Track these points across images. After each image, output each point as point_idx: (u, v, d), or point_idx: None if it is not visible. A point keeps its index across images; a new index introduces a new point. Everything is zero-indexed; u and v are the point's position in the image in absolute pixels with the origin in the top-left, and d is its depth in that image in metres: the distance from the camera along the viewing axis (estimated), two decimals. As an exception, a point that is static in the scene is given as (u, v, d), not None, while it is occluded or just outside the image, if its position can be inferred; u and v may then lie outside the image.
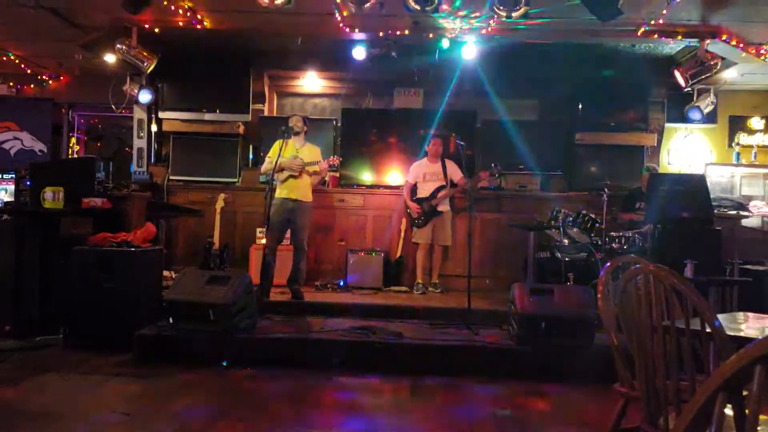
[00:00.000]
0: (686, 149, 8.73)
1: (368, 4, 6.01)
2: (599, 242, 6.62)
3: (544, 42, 7.32)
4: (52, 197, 5.80)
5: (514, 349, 5.05)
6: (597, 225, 6.69)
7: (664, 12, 6.27)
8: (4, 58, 8.57)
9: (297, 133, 6.65)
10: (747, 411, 1.20)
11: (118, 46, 7.21)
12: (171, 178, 8.29)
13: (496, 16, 6.13)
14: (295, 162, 6.51)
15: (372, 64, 7.70)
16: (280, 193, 6.56)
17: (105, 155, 9.51)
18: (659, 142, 8.51)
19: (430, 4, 5.99)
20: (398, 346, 5.07)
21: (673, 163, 8.70)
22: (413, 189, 7.47)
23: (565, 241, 6.75)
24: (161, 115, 8.38)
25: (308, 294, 6.74)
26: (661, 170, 8.22)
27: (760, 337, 1.15)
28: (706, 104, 8.22)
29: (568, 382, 4.68)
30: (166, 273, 6.56)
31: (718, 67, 7.15)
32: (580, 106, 8.25)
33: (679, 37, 7.03)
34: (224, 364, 4.87)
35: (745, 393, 1.20)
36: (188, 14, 6.80)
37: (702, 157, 8.76)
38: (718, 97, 8.39)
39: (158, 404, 4.02)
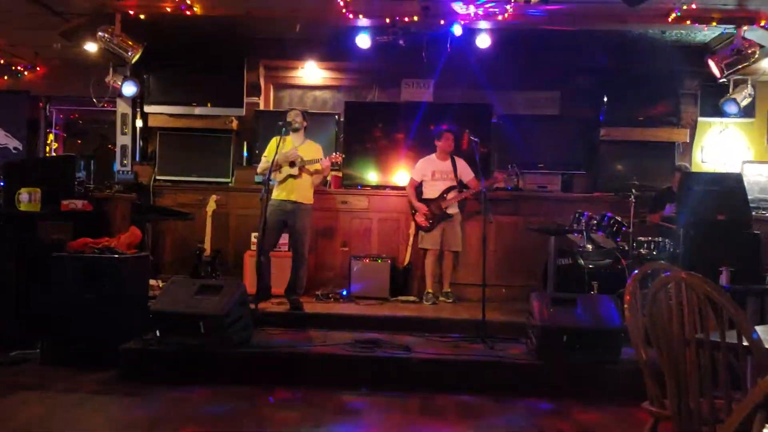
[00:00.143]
0: (721, 145, 8.71)
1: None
2: (626, 247, 6.61)
3: (566, 29, 7.33)
4: (28, 199, 5.83)
5: (532, 364, 5.06)
6: (624, 229, 6.67)
7: (698, -5, 6.29)
8: (-26, 47, 8.62)
9: (296, 129, 6.67)
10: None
11: (100, 34, 7.24)
12: (158, 177, 8.31)
13: (513, 1, 6.15)
14: (290, 152, 6.53)
15: (378, 53, 7.72)
16: (278, 194, 6.59)
17: (86, 153, 9.53)
18: (692, 137, 8.50)
19: (442, -12, 6.01)
20: (406, 362, 5.08)
21: (707, 161, 8.68)
22: (418, 188, 7.47)
23: (589, 246, 6.75)
24: (147, 109, 8.43)
25: (308, 305, 6.75)
26: (693, 169, 8.21)
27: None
28: (743, 96, 8.20)
29: (592, 400, 4.68)
30: (152, 282, 6.58)
31: (757, 55, 7.14)
32: (605, 99, 8.25)
33: (714, 23, 7.03)
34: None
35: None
36: (177, -1, 6.85)
37: (739, 154, 8.73)
38: (756, 89, 8.35)
39: (144, 427, 4.03)
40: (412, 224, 7.57)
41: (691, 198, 6.02)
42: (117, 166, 8.40)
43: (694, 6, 6.57)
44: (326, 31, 7.93)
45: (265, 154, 6.70)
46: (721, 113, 8.36)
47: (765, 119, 8.78)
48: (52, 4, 7.06)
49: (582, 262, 6.77)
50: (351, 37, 7.58)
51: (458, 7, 6.85)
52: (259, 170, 6.88)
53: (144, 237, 6.80)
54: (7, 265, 5.67)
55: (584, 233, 6.72)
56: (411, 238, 7.63)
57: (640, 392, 2.69)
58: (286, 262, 6.79)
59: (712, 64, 7.42)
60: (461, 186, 7.37)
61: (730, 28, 7.13)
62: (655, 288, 2.40)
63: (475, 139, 6.48)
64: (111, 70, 8.10)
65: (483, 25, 7.27)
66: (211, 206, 7.25)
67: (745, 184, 6.35)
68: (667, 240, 6.43)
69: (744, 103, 8.23)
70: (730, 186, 6.18)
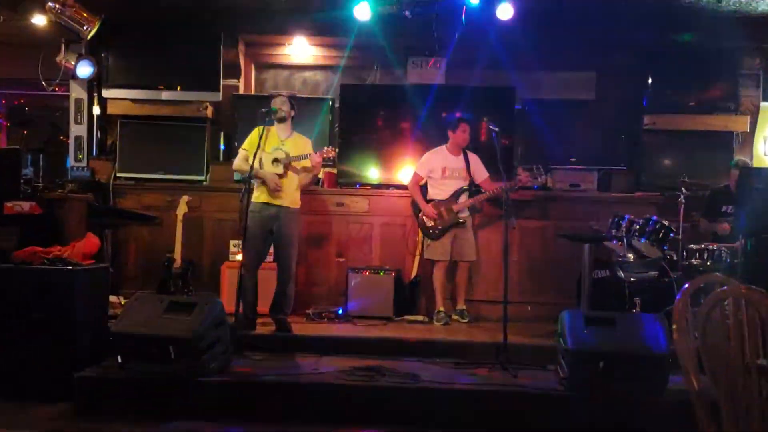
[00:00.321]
0: (789, 136, 8.74)
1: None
2: (674, 257, 6.62)
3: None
4: (-36, 201, 5.86)
5: (563, 396, 5.06)
6: (671, 235, 6.69)
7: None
8: None
9: (282, 119, 6.65)
10: None
11: (50, 4, 7.26)
12: (119, 175, 8.32)
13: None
14: (275, 179, 6.50)
15: (380, 26, 7.74)
16: (259, 196, 6.56)
17: (34, 146, 9.55)
18: (753, 126, 8.48)
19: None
20: (414, 392, 5.09)
21: (772, 155, 8.71)
22: (422, 187, 7.48)
23: (630, 255, 6.75)
24: (105, 93, 8.43)
25: (297, 325, 6.76)
26: (755, 163, 8.22)
27: None
28: (815, 78, 8.22)
29: (635, 439, 4.69)
30: (113, 298, 6.61)
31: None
32: (649, 81, 8.26)
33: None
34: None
35: None
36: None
37: (810, 146, 8.76)
38: (831, 69, 8.40)
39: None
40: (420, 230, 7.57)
41: (752, 199, 6.02)
42: (70, 161, 8.40)
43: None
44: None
45: (244, 146, 6.66)
46: (788, 97, 8.38)
47: (841, 105, 8.79)
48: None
49: (622, 274, 6.77)
50: (348, 7, 7.58)
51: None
52: (235, 165, 6.84)
53: (102, 245, 6.81)
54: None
55: (625, 240, 6.72)
56: (419, 247, 7.64)
57: (691, 427, 2.70)
58: (271, 275, 6.78)
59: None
60: (474, 187, 7.39)
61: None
62: (710, 305, 2.41)
63: (495, 129, 6.48)
64: (63, 47, 8.10)
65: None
66: (181, 209, 7.25)
67: (818, 182, 6.36)
68: (723, 248, 6.44)
69: (816, 85, 8.24)
70: (798, 184, 6.19)
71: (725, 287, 2.34)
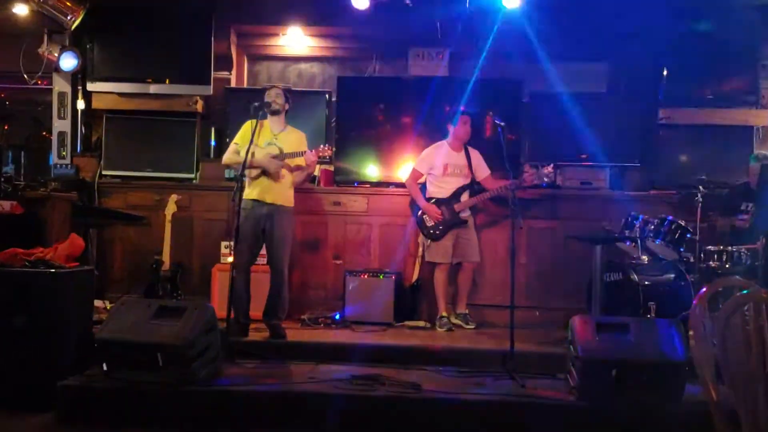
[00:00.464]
0: (813, 131, 8.73)
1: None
2: (691, 259, 6.61)
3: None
4: (-59, 200, 5.86)
5: (574, 406, 5.05)
6: (688, 236, 6.68)
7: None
8: None
9: (275, 112, 6.66)
10: None
11: (32, -8, 7.27)
12: (104, 173, 8.34)
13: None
14: (274, 162, 6.54)
15: (379, 15, 7.74)
16: (250, 193, 6.55)
17: (15, 142, 9.57)
18: (774, 121, 8.52)
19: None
20: (416, 402, 5.07)
21: (794, 150, 8.69)
22: (421, 184, 7.48)
23: (645, 257, 6.74)
24: (90, 87, 8.44)
25: (292, 331, 6.76)
26: (776, 160, 8.23)
27: None
28: (841, 70, 8.22)
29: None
30: (98, 303, 6.60)
31: None
32: (665, 73, 8.26)
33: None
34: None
35: None
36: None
37: (834, 141, 8.75)
38: None
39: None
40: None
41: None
42: (54, 159, 8.40)
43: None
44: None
45: (236, 140, 6.67)
46: (812, 90, 8.37)
47: None
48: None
49: (636, 277, 6.76)
50: (346, -4, 7.61)
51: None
52: (225, 159, 6.85)
53: (87, 247, 6.81)
54: None
55: (638, 241, 6.72)
56: (421, 249, 7.64)
57: (709, 440, 2.69)
58: (264, 278, 6.78)
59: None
60: (475, 185, 7.38)
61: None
62: (729, 310, 2.40)
63: (501, 124, 6.45)
64: (46, 38, 8.11)
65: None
66: (170, 208, 7.26)
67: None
68: (743, 249, 6.42)
69: (841, 78, 8.24)
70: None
71: (745, 291, 2.33)
